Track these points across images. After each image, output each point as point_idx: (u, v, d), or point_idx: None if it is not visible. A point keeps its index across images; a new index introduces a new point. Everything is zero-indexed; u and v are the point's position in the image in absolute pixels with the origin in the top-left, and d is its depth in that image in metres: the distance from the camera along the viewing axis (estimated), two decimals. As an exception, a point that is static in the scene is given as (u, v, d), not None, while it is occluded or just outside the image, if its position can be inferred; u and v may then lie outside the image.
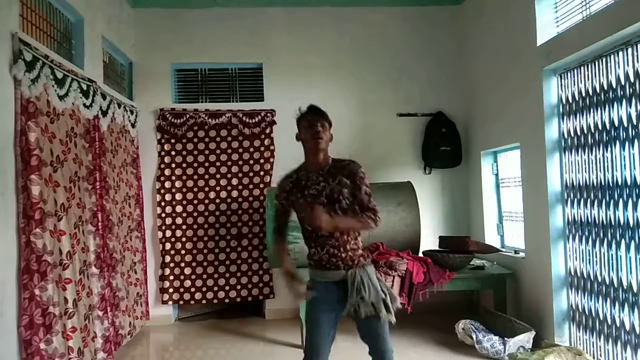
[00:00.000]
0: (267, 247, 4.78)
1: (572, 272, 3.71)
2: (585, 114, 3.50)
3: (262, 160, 5.42)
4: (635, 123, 3.02)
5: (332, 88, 5.55)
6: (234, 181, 5.39)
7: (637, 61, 2.98)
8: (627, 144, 3.10)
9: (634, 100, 3.01)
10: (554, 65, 3.75)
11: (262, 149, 5.43)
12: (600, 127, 3.34)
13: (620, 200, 3.16)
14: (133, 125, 5.11)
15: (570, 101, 3.66)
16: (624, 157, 3.13)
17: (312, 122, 2.46)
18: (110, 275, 4.15)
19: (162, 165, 5.33)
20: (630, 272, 3.10)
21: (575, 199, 3.64)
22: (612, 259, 3.26)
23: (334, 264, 2.39)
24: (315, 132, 2.42)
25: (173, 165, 5.34)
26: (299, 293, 2.40)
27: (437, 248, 4.72)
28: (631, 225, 3.08)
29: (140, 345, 4.70)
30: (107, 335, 3.89)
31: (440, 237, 4.89)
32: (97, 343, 3.74)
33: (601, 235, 3.35)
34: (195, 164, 5.36)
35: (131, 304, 4.67)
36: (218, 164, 5.39)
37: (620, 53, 3.11)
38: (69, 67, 3.63)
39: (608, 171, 3.27)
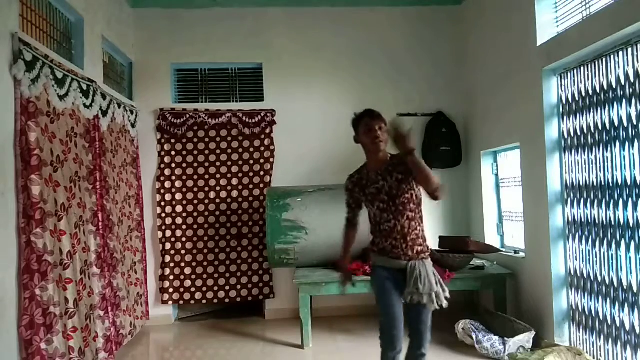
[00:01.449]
0: (267, 247, 4.79)
1: (572, 272, 3.71)
2: (585, 114, 3.50)
3: (262, 160, 5.43)
4: (635, 123, 3.02)
5: (332, 88, 5.55)
6: (234, 181, 5.40)
7: (637, 61, 2.98)
8: (627, 144, 3.10)
9: (634, 100, 3.02)
10: (554, 65, 3.75)
11: (262, 149, 5.43)
12: (600, 127, 3.34)
13: (620, 200, 3.16)
14: (133, 125, 5.11)
15: (570, 101, 3.66)
16: (624, 157, 3.13)
17: (370, 125, 2.61)
18: (111, 275, 4.15)
19: (162, 165, 5.34)
20: (630, 272, 3.10)
21: (575, 199, 3.64)
22: (612, 259, 3.27)
23: (395, 254, 2.60)
24: (375, 136, 2.59)
25: (173, 165, 5.34)
26: (347, 281, 2.93)
27: (437, 248, 4.72)
28: (631, 225, 3.08)
29: (141, 345, 4.70)
30: (109, 335, 3.90)
31: (440, 237, 4.90)
32: (99, 343, 3.74)
33: (601, 235, 3.36)
34: (195, 164, 5.37)
35: (132, 304, 4.67)
36: (218, 164, 5.39)
37: (620, 53, 3.12)
38: (69, 67, 3.63)
39: (608, 171, 3.28)
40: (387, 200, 2.58)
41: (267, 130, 5.43)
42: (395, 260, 2.61)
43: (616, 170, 3.20)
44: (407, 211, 2.58)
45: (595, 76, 3.37)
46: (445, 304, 2.55)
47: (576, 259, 3.67)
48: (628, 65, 3.06)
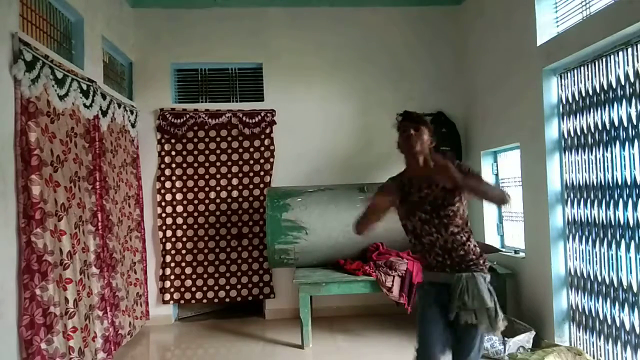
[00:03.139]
0: (267, 246, 4.79)
1: (572, 272, 3.71)
2: (585, 114, 3.50)
3: (262, 160, 5.43)
4: (635, 123, 3.02)
5: (332, 88, 5.55)
6: (234, 181, 5.40)
7: (637, 61, 2.98)
8: (627, 144, 3.10)
9: (634, 100, 3.02)
10: (554, 65, 3.75)
11: (262, 149, 5.43)
12: (600, 127, 3.34)
13: (620, 200, 3.16)
14: (133, 125, 5.11)
15: (570, 101, 3.66)
16: (624, 157, 3.13)
17: (405, 127, 2.37)
18: (110, 275, 4.15)
19: (163, 165, 5.34)
20: (630, 272, 3.10)
21: (575, 199, 3.64)
22: (612, 259, 3.26)
23: (440, 268, 2.31)
24: (407, 137, 2.34)
25: (173, 165, 5.34)
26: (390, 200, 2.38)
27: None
28: (631, 225, 3.08)
29: (140, 345, 4.70)
30: (107, 335, 3.89)
31: (440, 237, 4.89)
32: (97, 343, 3.74)
33: (601, 235, 3.36)
34: (196, 164, 5.37)
35: (131, 304, 4.67)
36: (218, 164, 5.39)
37: (620, 53, 3.12)
38: (69, 67, 3.63)
39: (608, 171, 3.27)
40: (430, 211, 2.28)
41: (267, 130, 5.44)
42: (441, 274, 2.30)
43: (616, 170, 3.20)
44: (451, 225, 2.27)
45: (595, 76, 3.37)
46: (501, 328, 2.21)
47: (576, 259, 3.67)
48: (628, 65, 3.06)
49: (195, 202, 5.35)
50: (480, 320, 2.19)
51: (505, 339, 3.79)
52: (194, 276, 5.31)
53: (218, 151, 5.39)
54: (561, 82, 3.78)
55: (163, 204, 5.31)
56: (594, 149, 3.41)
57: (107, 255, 4.11)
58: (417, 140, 2.32)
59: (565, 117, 3.74)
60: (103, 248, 3.99)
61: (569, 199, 3.72)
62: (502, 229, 5.03)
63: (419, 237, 2.33)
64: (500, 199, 2.31)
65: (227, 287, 5.33)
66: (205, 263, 5.33)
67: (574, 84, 3.61)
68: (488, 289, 2.24)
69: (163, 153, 5.34)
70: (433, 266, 2.33)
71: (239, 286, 5.34)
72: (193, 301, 5.31)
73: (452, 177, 2.11)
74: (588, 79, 3.45)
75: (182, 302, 5.32)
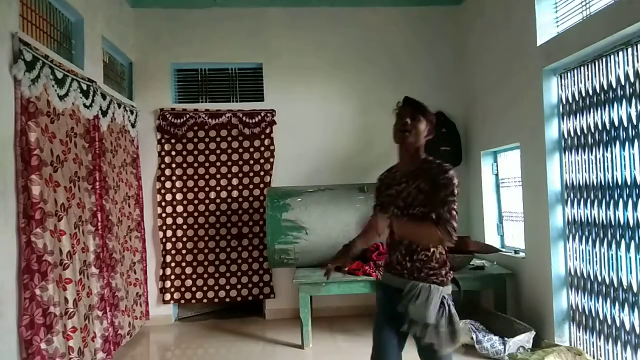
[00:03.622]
0: (267, 246, 4.79)
1: (572, 272, 3.71)
2: (585, 114, 3.50)
3: (262, 160, 5.43)
4: (635, 123, 3.02)
5: (332, 88, 5.56)
6: (234, 181, 5.40)
7: (637, 61, 2.98)
8: (627, 144, 3.10)
9: (634, 100, 3.01)
10: (554, 65, 3.75)
11: (262, 149, 5.43)
12: (600, 127, 3.34)
13: (620, 200, 3.16)
14: (133, 125, 5.11)
15: (570, 101, 3.66)
16: (624, 157, 3.13)
17: (401, 114, 2.19)
18: (110, 275, 4.15)
19: (163, 165, 5.34)
20: (630, 272, 3.10)
21: (575, 199, 3.64)
22: (612, 259, 3.26)
23: (398, 271, 2.17)
24: (402, 123, 2.16)
25: (173, 165, 5.34)
26: (329, 269, 2.34)
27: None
28: (631, 225, 3.08)
29: (140, 345, 4.70)
30: (107, 336, 3.90)
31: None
32: (97, 343, 3.74)
33: (601, 235, 3.36)
34: (196, 164, 5.37)
35: (130, 304, 4.67)
36: (218, 164, 5.39)
37: (620, 53, 3.11)
38: (69, 67, 3.63)
39: (608, 171, 3.27)
40: (402, 207, 2.15)
41: (267, 130, 5.44)
42: (396, 278, 2.17)
43: (616, 170, 3.20)
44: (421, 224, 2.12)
45: (595, 76, 3.37)
46: (456, 345, 2.05)
47: (576, 259, 3.66)
48: (628, 65, 3.06)
49: (196, 202, 5.35)
50: (424, 335, 2.02)
51: (505, 339, 3.79)
52: (194, 276, 5.31)
53: (218, 151, 5.39)
54: (561, 82, 3.78)
55: (163, 204, 5.31)
56: (594, 149, 3.41)
57: (107, 255, 4.11)
58: (412, 129, 2.15)
59: (565, 117, 3.74)
60: (103, 248, 3.99)
61: (569, 199, 3.72)
62: (502, 229, 5.04)
63: (391, 232, 2.20)
64: (433, 240, 2.07)
65: (227, 287, 5.33)
66: (206, 263, 5.33)
67: (574, 84, 3.61)
68: (443, 303, 2.05)
69: (163, 153, 5.34)
70: (392, 266, 2.21)
71: (239, 286, 5.34)
72: (193, 301, 5.31)
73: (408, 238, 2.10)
74: (588, 79, 3.45)
75: (182, 301, 5.32)
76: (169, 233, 5.31)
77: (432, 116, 2.23)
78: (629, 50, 3.03)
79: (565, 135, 3.74)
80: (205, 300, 5.32)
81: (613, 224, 3.24)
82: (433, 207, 2.06)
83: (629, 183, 3.09)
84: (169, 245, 5.29)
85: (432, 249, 2.12)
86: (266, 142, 5.44)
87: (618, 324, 3.22)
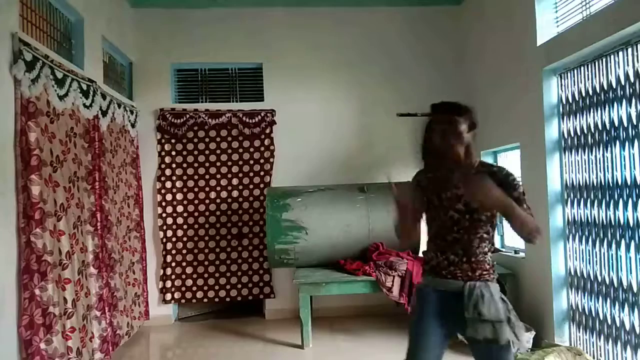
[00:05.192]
0: (267, 246, 4.79)
1: (572, 272, 3.71)
2: (585, 114, 3.50)
3: (262, 160, 5.43)
4: (635, 123, 3.02)
5: (332, 88, 5.56)
6: (234, 181, 5.40)
7: (637, 61, 2.97)
8: (627, 144, 3.10)
9: (634, 100, 3.01)
10: (554, 65, 3.75)
11: (262, 149, 5.43)
12: (600, 127, 3.34)
13: (620, 200, 3.16)
14: (133, 125, 5.11)
15: (570, 101, 3.66)
16: (624, 157, 3.13)
17: (436, 124, 2.06)
18: (109, 276, 4.14)
19: (163, 165, 5.34)
20: (630, 272, 3.10)
21: (575, 199, 3.64)
22: (612, 259, 3.26)
23: (451, 272, 2.05)
24: (442, 136, 2.03)
25: (173, 165, 5.34)
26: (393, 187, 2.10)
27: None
28: (631, 225, 3.07)
29: (139, 345, 4.70)
30: (105, 336, 3.89)
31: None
32: (95, 343, 3.73)
33: (601, 235, 3.35)
34: (196, 164, 5.37)
35: (129, 304, 4.67)
36: (218, 164, 5.39)
37: (620, 53, 3.11)
38: (69, 67, 3.63)
39: (608, 171, 3.27)
40: (464, 211, 2.05)
41: (267, 130, 5.44)
42: (450, 281, 2.04)
43: (616, 170, 3.20)
44: (481, 230, 2.06)
45: (595, 76, 3.37)
46: (525, 346, 2.00)
47: (576, 259, 3.66)
48: (628, 65, 3.06)
49: (196, 202, 5.35)
50: (500, 332, 1.92)
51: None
52: (194, 276, 5.31)
53: (218, 151, 5.39)
54: (561, 82, 3.77)
55: (163, 204, 5.31)
56: (594, 149, 3.41)
57: (106, 256, 4.11)
58: (453, 141, 2.02)
59: (565, 117, 3.74)
60: (102, 248, 3.99)
61: (569, 199, 3.72)
62: (502, 228, 5.03)
63: (443, 234, 2.08)
64: (531, 235, 1.95)
65: (228, 287, 5.33)
66: (206, 263, 5.33)
67: (574, 84, 3.61)
68: (503, 300, 2.02)
69: (163, 153, 5.34)
70: (441, 269, 2.07)
71: (239, 286, 5.34)
72: (194, 300, 5.32)
73: (483, 204, 1.89)
74: (588, 79, 3.45)
75: (182, 301, 5.32)
76: (170, 233, 5.31)
77: (468, 110, 2.10)
78: (629, 50, 3.03)
79: (565, 135, 3.73)
80: (205, 300, 5.32)
81: (613, 224, 3.23)
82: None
83: (629, 183, 3.08)
84: (169, 245, 5.29)
85: (488, 254, 2.08)
86: (266, 142, 5.44)
87: (618, 324, 3.22)
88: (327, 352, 4.29)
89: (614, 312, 3.25)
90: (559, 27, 3.83)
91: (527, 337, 3.81)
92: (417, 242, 2.14)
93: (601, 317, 3.39)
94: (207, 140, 5.39)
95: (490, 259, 2.09)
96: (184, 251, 5.32)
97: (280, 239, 4.66)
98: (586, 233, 3.52)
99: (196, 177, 5.37)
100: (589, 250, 3.50)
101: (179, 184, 5.34)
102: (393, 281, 4.32)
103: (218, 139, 5.40)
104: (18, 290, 2.89)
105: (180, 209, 5.33)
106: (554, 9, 3.88)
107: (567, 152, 3.73)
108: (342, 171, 5.47)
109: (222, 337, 4.82)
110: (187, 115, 5.33)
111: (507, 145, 4.65)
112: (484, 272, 2.05)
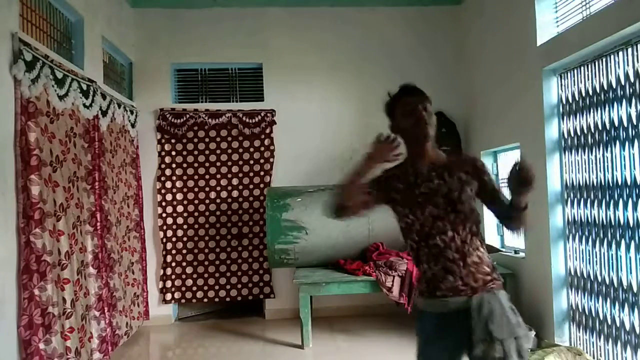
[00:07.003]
0: (267, 246, 4.79)
1: (572, 272, 3.71)
2: (585, 114, 3.50)
3: (262, 160, 5.43)
4: (635, 123, 3.01)
5: (332, 88, 5.55)
6: (234, 181, 5.40)
7: (637, 61, 2.97)
8: (627, 144, 3.10)
9: (634, 100, 3.01)
10: (554, 65, 3.75)
11: (262, 149, 5.43)
12: (600, 127, 3.34)
13: (620, 200, 3.15)
14: (133, 125, 5.11)
15: (570, 101, 3.66)
16: (624, 157, 3.13)
17: (412, 105, 1.95)
18: (108, 276, 4.14)
19: (163, 165, 5.34)
20: (630, 272, 3.09)
21: (575, 199, 3.64)
22: (612, 259, 3.26)
23: (452, 285, 1.81)
24: (418, 117, 1.92)
25: (173, 165, 5.34)
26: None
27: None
28: (631, 225, 3.07)
29: (138, 346, 4.70)
30: (104, 336, 3.89)
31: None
32: (93, 343, 3.73)
33: (601, 235, 3.35)
34: (196, 164, 5.37)
35: (128, 304, 4.66)
36: (218, 164, 5.39)
37: (620, 53, 3.11)
38: (69, 67, 3.63)
39: (608, 171, 3.27)
40: (444, 204, 1.85)
41: (267, 130, 5.44)
42: (452, 298, 1.81)
43: (616, 170, 3.20)
44: (469, 222, 1.86)
45: (595, 76, 3.37)
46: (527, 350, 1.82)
47: (576, 259, 3.66)
48: (628, 65, 3.06)
49: (196, 202, 5.35)
50: (509, 352, 1.74)
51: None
52: (194, 276, 5.31)
53: (218, 151, 5.39)
54: (561, 82, 3.77)
55: (163, 204, 5.31)
56: (594, 149, 3.41)
57: (105, 256, 4.10)
58: (429, 120, 1.92)
59: (565, 117, 3.73)
60: (101, 248, 3.99)
61: (569, 199, 3.72)
62: (502, 228, 5.03)
63: (427, 237, 1.86)
64: (522, 224, 1.93)
65: (228, 287, 5.33)
66: (206, 263, 5.33)
67: (574, 84, 3.61)
68: (511, 308, 1.82)
69: (163, 153, 5.34)
70: (439, 282, 1.84)
71: (239, 286, 5.34)
72: (194, 300, 5.32)
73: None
74: (588, 79, 3.45)
75: (182, 301, 5.32)
76: (170, 233, 5.31)
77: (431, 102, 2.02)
78: (629, 50, 3.03)
79: (565, 135, 3.73)
80: (205, 300, 5.32)
81: (613, 224, 3.23)
82: (490, 196, 1.93)
83: (629, 183, 3.08)
84: (169, 245, 5.29)
85: (482, 250, 1.89)
86: (266, 142, 5.44)
87: (618, 324, 3.21)
88: (327, 352, 4.29)
89: (614, 312, 3.25)
90: (559, 27, 3.82)
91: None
92: (345, 216, 1.98)
93: (601, 317, 3.38)
94: (207, 140, 5.39)
95: (488, 258, 1.91)
96: (184, 251, 5.32)
97: (280, 239, 4.66)
98: (586, 233, 3.52)
99: (196, 177, 5.37)
100: (589, 250, 3.50)
101: (179, 184, 5.34)
102: (393, 281, 4.32)
103: (218, 139, 5.40)
104: (18, 290, 2.88)
105: (180, 209, 5.33)
106: (553, 9, 3.88)
107: (567, 152, 3.73)
108: (342, 171, 5.44)
109: (222, 337, 4.81)
110: (187, 115, 5.33)
111: (507, 145, 4.64)
112: (488, 279, 1.84)
